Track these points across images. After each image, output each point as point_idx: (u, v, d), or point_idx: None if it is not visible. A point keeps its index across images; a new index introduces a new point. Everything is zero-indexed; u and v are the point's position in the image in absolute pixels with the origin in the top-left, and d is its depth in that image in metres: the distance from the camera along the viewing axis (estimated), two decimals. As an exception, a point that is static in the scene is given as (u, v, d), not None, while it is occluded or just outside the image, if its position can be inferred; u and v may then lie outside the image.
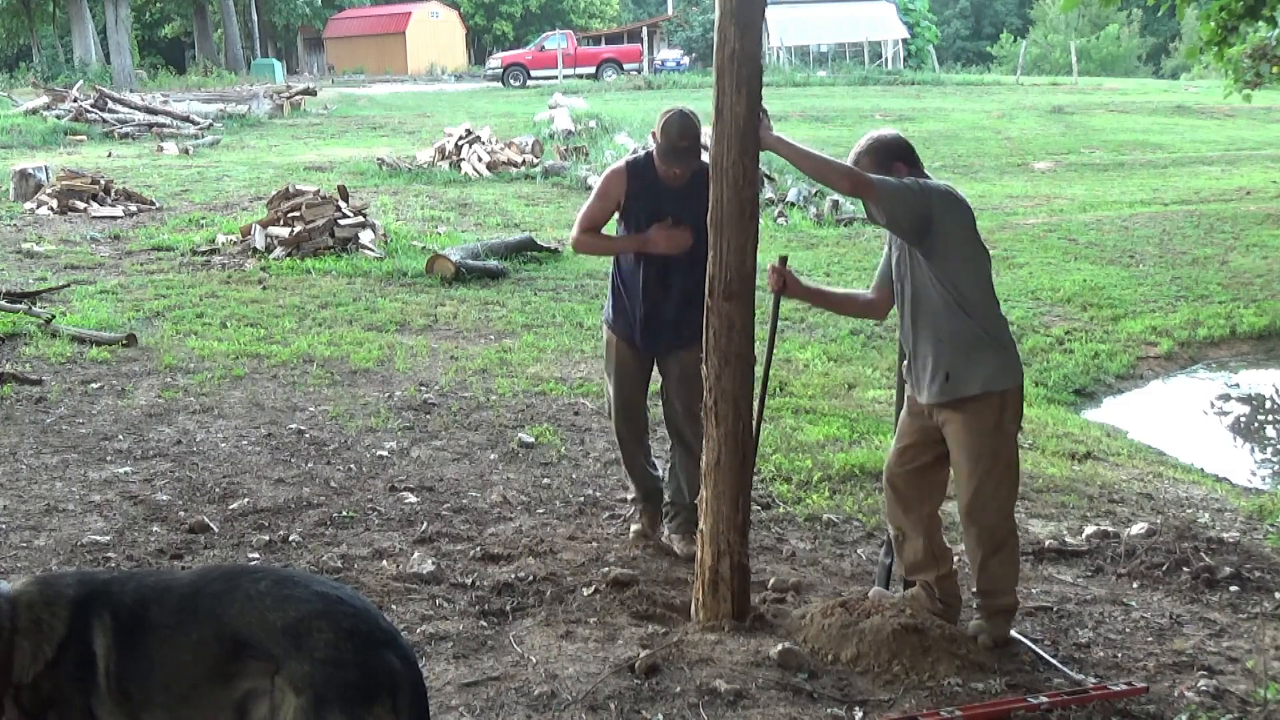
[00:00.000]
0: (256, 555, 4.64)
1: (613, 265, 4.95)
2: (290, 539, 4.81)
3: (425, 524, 5.02)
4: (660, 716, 3.41)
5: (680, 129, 4.51)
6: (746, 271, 3.91)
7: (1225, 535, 5.13)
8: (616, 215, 4.80)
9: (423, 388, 7.23)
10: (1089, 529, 5.21)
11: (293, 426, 6.35)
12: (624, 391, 4.89)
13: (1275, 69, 14.69)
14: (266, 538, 4.82)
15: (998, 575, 4.00)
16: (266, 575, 2.56)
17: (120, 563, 4.50)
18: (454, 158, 17.80)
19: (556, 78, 37.75)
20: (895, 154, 4.05)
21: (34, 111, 23.68)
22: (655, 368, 4.93)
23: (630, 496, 5.10)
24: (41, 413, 6.48)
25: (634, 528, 4.99)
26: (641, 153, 4.89)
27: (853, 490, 5.67)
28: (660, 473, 5.06)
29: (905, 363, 4.14)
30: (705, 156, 4.51)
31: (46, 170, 14.61)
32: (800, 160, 3.93)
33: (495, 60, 42.02)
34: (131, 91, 29.50)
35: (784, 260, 4.27)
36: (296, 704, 2.32)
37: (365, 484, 5.54)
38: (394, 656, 2.40)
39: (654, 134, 4.65)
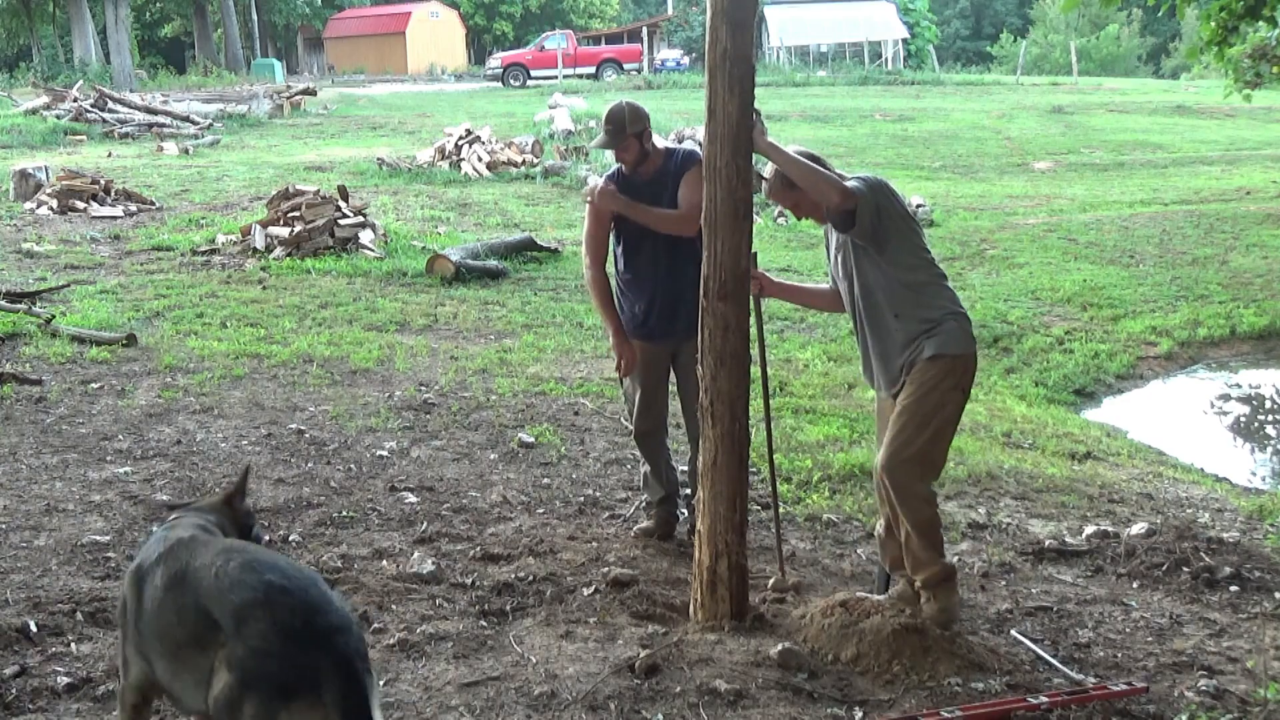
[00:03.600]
0: (256, 555, 4.64)
1: (616, 274, 5.01)
2: (290, 539, 4.81)
3: (425, 524, 5.02)
4: (660, 716, 3.40)
5: (605, 116, 4.73)
6: (741, 272, 3.91)
7: (1225, 535, 5.13)
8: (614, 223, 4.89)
9: (423, 388, 7.23)
10: (1089, 529, 5.21)
11: (293, 426, 6.35)
12: (645, 391, 4.92)
13: (1275, 69, 14.70)
14: (267, 538, 4.80)
15: (914, 545, 4.01)
16: (240, 555, 2.67)
17: (120, 563, 4.49)
18: (454, 158, 17.80)
19: (556, 78, 37.74)
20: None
21: (34, 111, 23.69)
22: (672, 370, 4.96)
23: (645, 499, 5.11)
24: (41, 413, 6.48)
25: (639, 525, 5.01)
26: (616, 165, 4.96)
27: (853, 490, 5.67)
28: (679, 475, 5.11)
29: (864, 364, 4.24)
30: (661, 141, 4.73)
31: (46, 170, 14.61)
32: (791, 168, 3.94)
33: (495, 60, 42.02)
34: (131, 91, 29.51)
35: (754, 259, 4.33)
36: (226, 681, 2.47)
37: (365, 484, 5.54)
38: (328, 654, 2.45)
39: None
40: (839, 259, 4.19)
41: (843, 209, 3.93)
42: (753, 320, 4.31)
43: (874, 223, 3.95)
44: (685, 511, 5.13)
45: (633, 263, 4.87)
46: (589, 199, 4.74)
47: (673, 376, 4.98)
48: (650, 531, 4.96)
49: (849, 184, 3.92)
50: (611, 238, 4.94)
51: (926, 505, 4.03)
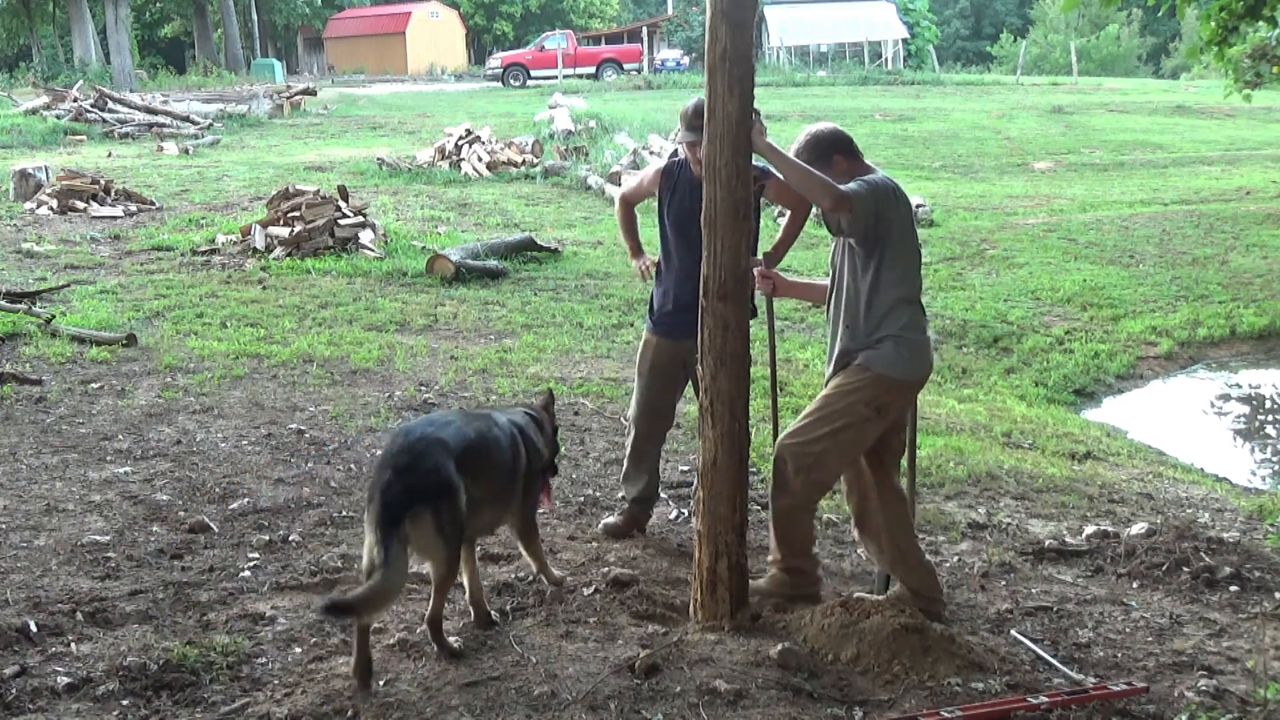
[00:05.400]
0: (256, 555, 4.64)
1: (660, 261, 5.02)
2: (290, 539, 4.81)
3: (425, 524, 5.01)
4: (660, 716, 3.40)
5: (695, 108, 4.59)
6: (740, 272, 3.91)
7: (1225, 535, 5.13)
8: (657, 205, 4.94)
9: (423, 388, 7.23)
10: (1089, 529, 5.21)
11: (293, 426, 6.35)
12: (654, 391, 4.94)
13: (1275, 69, 14.69)
14: (266, 538, 4.82)
15: (773, 527, 4.17)
16: (443, 416, 4.12)
17: (120, 562, 4.50)
18: (454, 158, 17.81)
19: (556, 78, 37.76)
20: (835, 146, 4.14)
21: (34, 111, 23.70)
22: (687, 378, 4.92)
23: (620, 494, 5.11)
24: (41, 413, 6.48)
25: (606, 520, 5.04)
26: (680, 155, 4.93)
27: (853, 490, 5.66)
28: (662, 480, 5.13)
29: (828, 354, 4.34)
30: None
31: (46, 170, 14.61)
32: (788, 170, 3.97)
33: (495, 60, 42.04)
34: (131, 91, 29.53)
35: (767, 258, 4.44)
36: None
37: (365, 484, 5.53)
38: (387, 477, 3.56)
39: (682, 141, 4.80)
40: (834, 248, 4.25)
41: (835, 211, 3.95)
42: (760, 317, 4.35)
43: (869, 226, 3.96)
44: (685, 511, 5.14)
45: (671, 252, 4.87)
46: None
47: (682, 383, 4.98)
48: (617, 528, 4.96)
49: (847, 188, 3.92)
50: (663, 222, 4.91)
51: (787, 497, 4.11)
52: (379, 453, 3.90)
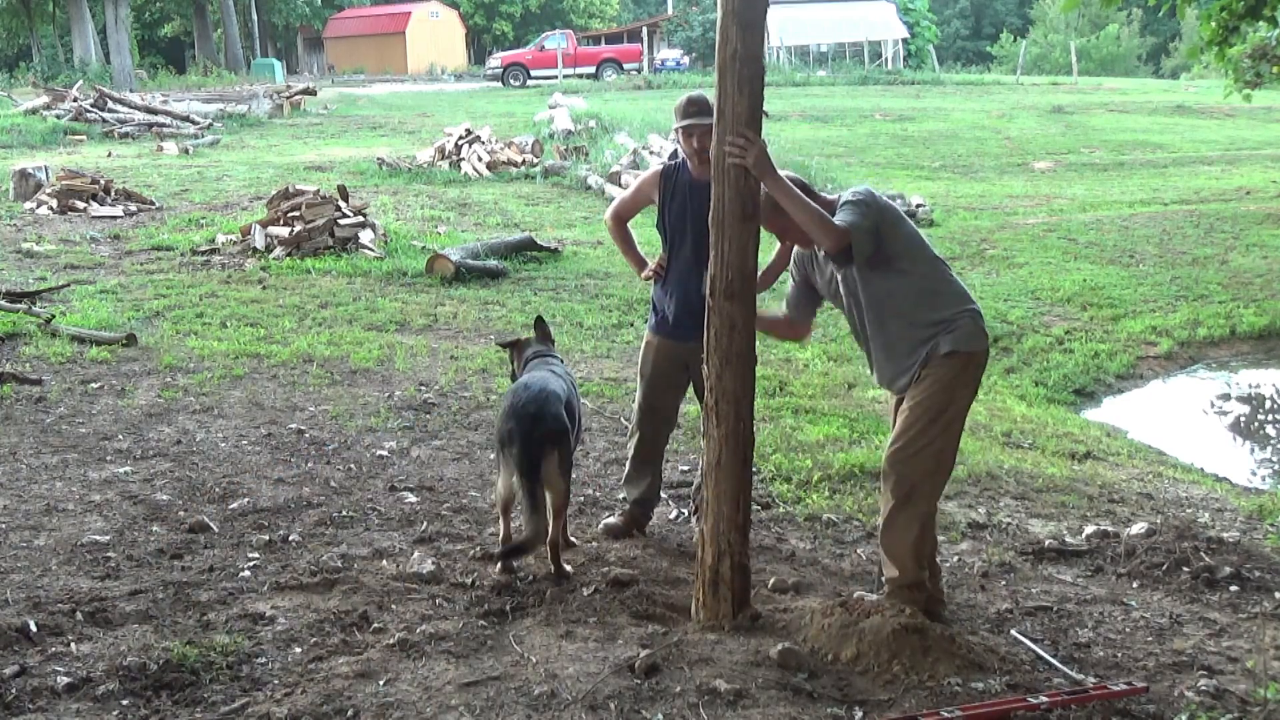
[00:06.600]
0: (256, 555, 4.64)
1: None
2: (290, 539, 4.81)
3: (425, 524, 5.02)
4: (660, 716, 3.40)
5: (688, 99, 4.68)
6: (748, 271, 3.91)
7: (1225, 535, 5.13)
8: (657, 209, 4.91)
9: (423, 388, 7.23)
10: (1089, 529, 5.21)
11: (293, 426, 6.35)
12: (656, 393, 4.94)
13: (1275, 69, 14.70)
14: (266, 537, 4.82)
15: (897, 538, 4.03)
16: (548, 370, 4.69)
17: (120, 562, 4.50)
18: (454, 157, 17.82)
19: (556, 77, 37.77)
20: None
21: (34, 111, 23.71)
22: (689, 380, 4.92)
23: (621, 495, 5.11)
24: (41, 413, 6.48)
25: (606, 520, 5.04)
26: (679, 158, 4.92)
27: (852, 490, 5.67)
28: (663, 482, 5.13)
29: (874, 369, 4.25)
30: None
31: (46, 170, 14.62)
32: (790, 205, 3.89)
33: (495, 60, 42.06)
34: (131, 91, 29.54)
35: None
36: None
37: (365, 484, 5.54)
38: (519, 426, 4.25)
39: (676, 130, 4.76)
40: (837, 278, 4.16)
41: (838, 250, 3.94)
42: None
43: (874, 245, 3.94)
44: (685, 511, 5.14)
45: (672, 253, 4.85)
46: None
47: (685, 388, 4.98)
48: (615, 529, 4.96)
49: (840, 221, 3.90)
50: (663, 230, 4.89)
51: (927, 502, 4.04)
52: (505, 405, 4.46)
